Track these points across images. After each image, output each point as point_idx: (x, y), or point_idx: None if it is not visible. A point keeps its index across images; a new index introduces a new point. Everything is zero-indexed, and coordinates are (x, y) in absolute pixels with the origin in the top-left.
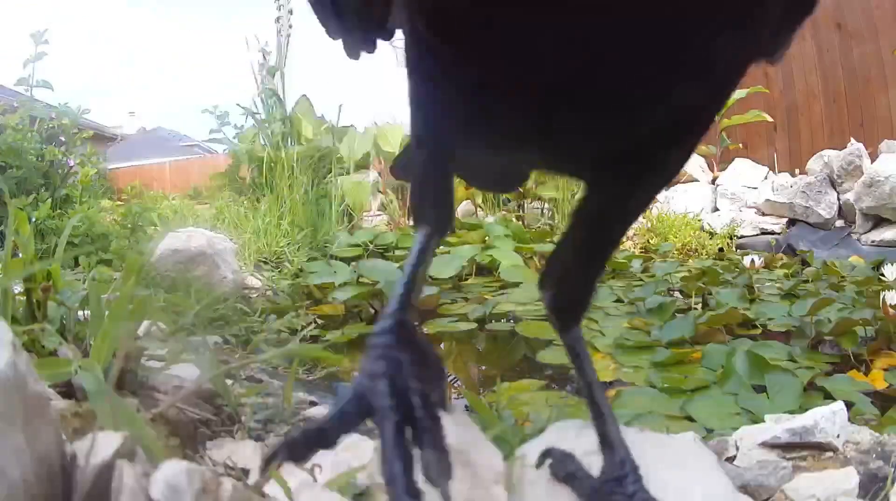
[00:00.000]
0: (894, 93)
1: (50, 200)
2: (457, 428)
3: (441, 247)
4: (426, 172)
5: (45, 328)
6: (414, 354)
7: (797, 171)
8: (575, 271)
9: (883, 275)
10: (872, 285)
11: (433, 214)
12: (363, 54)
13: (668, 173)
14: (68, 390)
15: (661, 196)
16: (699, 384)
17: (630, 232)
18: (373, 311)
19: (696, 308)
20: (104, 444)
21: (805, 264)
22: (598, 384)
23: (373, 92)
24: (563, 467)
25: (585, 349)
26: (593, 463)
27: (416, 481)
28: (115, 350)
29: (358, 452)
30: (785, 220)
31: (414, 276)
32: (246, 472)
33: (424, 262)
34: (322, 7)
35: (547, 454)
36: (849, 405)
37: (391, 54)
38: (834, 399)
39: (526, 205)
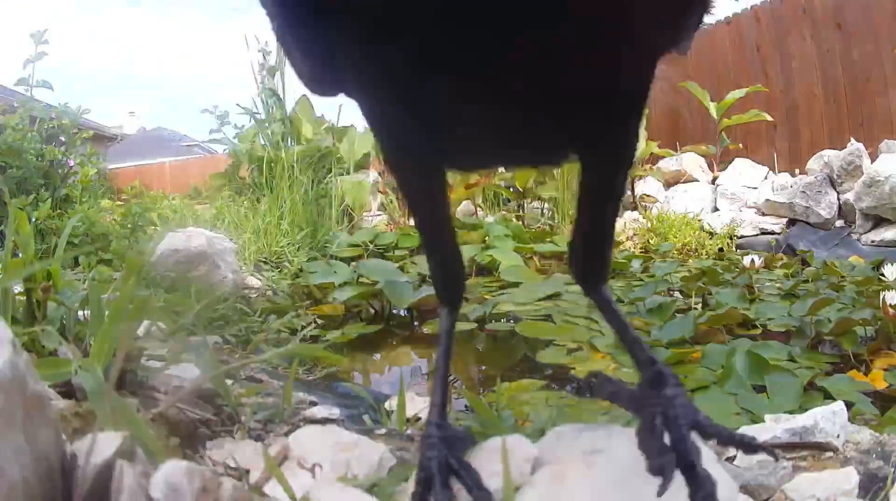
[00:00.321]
0: (894, 93)
1: (50, 200)
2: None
3: None
4: (429, 251)
5: (45, 328)
6: (449, 438)
7: (797, 171)
8: (587, 238)
9: (883, 275)
10: (872, 285)
11: (445, 293)
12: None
13: (624, 147)
14: (68, 390)
15: (661, 196)
16: (699, 383)
17: (630, 232)
18: (372, 311)
19: (695, 308)
20: (104, 444)
21: (805, 264)
22: (627, 324)
23: None
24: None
25: (611, 301)
26: (595, 462)
27: None
28: (115, 350)
29: (356, 452)
30: (785, 220)
31: (446, 372)
32: (246, 472)
33: (452, 345)
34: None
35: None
36: (849, 405)
37: None
38: (834, 399)
39: (526, 205)
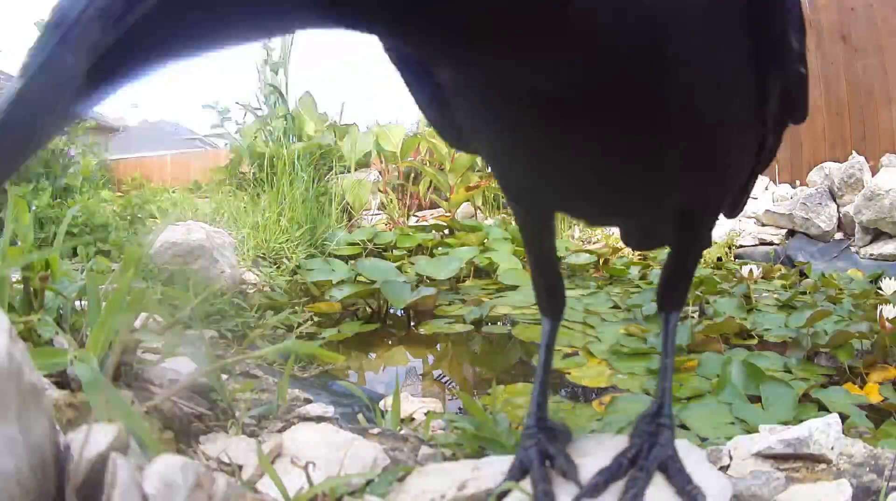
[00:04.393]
0: None
1: (50, 189)
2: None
3: (440, 248)
4: (534, 267)
5: (41, 317)
6: (549, 429)
7: (798, 182)
8: (671, 273)
9: (880, 289)
10: (870, 298)
11: (548, 306)
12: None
13: (719, 204)
14: (63, 380)
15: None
16: (694, 392)
17: None
18: (369, 310)
19: (693, 317)
20: (98, 436)
21: (803, 275)
22: (671, 351)
23: (375, 91)
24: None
25: (674, 328)
26: (585, 466)
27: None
28: (111, 342)
29: (350, 450)
30: (784, 231)
31: (546, 376)
32: (239, 468)
33: (552, 353)
34: None
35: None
36: (843, 417)
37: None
38: (828, 411)
39: None
